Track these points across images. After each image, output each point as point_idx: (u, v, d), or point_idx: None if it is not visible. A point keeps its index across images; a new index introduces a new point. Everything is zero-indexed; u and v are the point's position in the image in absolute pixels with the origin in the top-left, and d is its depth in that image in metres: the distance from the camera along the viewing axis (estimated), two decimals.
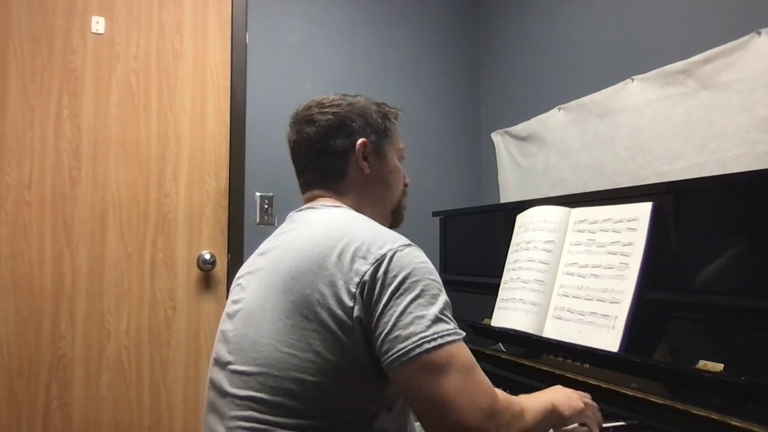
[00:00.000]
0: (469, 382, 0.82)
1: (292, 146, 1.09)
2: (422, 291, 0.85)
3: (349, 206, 1.04)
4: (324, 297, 0.86)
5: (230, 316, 0.99)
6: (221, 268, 2.18)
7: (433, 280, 0.87)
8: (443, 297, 0.87)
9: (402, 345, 0.81)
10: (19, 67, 1.97)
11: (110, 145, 2.07)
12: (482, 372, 0.85)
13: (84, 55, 2.05)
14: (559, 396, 0.99)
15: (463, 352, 0.84)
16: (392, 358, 0.82)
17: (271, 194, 2.24)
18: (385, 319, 0.83)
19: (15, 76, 1.97)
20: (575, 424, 1.00)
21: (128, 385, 2.04)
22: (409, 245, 0.90)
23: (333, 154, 1.04)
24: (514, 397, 0.91)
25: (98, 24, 2.06)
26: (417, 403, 0.84)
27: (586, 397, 1.04)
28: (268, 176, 2.22)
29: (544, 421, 0.93)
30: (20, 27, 1.98)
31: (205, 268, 2.14)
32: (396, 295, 0.84)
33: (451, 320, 0.86)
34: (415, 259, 0.87)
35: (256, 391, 0.87)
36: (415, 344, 0.81)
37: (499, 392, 0.87)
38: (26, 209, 1.96)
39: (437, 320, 0.83)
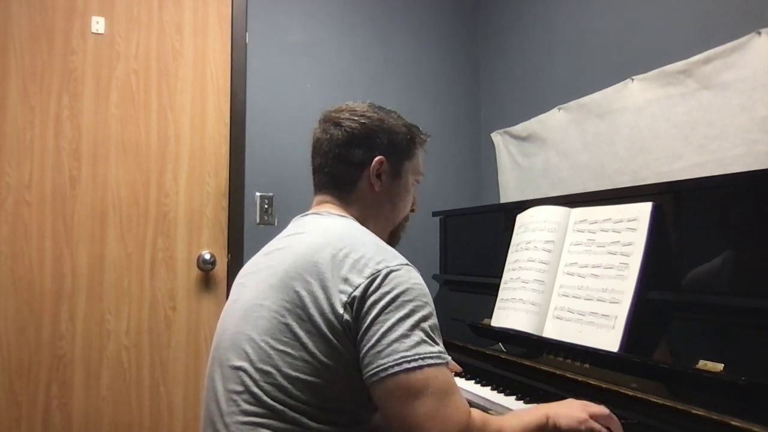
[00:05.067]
0: (443, 407, 0.82)
1: (314, 143, 1.10)
2: (412, 311, 0.85)
3: (354, 218, 1.05)
4: (318, 301, 0.87)
5: (229, 313, 1.00)
6: (221, 268, 2.18)
7: (426, 303, 0.88)
8: (433, 320, 0.88)
9: (382, 361, 0.83)
10: (19, 67, 1.97)
11: (110, 145, 2.07)
12: (460, 396, 0.86)
13: (84, 55, 2.04)
14: (559, 408, 0.97)
15: (441, 375, 0.84)
16: (371, 372, 0.83)
17: (271, 194, 2.24)
18: (371, 333, 0.84)
19: (15, 76, 1.97)
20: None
21: (128, 385, 2.04)
22: (407, 265, 0.91)
23: (349, 163, 1.05)
24: (494, 417, 0.91)
25: (98, 24, 2.06)
26: (389, 421, 0.85)
27: (595, 407, 0.98)
28: (268, 176, 2.22)
29: None
30: (20, 27, 1.98)
31: (205, 268, 2.14)
32: (386, 311, 0.85)
33: (437, 344, 0.87)
34: (410, 279, 0.89)
35: (253, 387, 0.88)
36: (394, 362, 0.82)
37: (478, 413, 0.87)
38: (26, 209, 1.96)
39: (422, 342, 0.84)
